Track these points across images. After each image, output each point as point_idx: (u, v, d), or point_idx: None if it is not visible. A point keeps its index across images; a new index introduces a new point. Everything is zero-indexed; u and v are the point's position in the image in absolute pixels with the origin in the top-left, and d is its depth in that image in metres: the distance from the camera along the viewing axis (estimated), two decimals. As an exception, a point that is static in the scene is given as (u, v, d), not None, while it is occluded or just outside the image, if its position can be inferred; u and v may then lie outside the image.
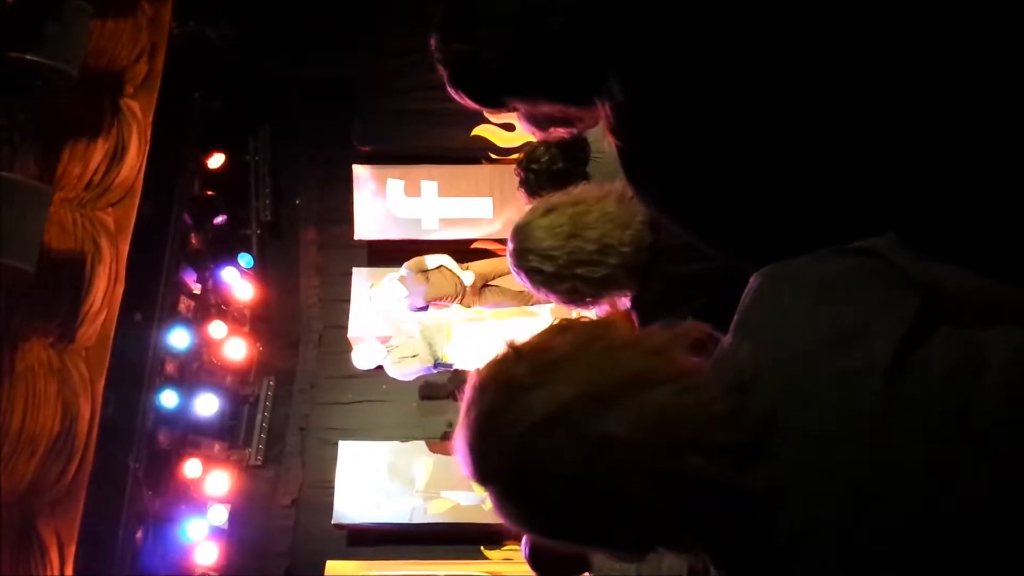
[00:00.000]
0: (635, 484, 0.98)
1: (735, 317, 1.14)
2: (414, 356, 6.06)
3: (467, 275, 6.11)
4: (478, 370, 1.08)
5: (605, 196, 2.10)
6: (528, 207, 2.22)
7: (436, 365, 6.22)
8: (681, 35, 1.30)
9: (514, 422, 1.01)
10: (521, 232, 2.12)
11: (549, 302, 2.27)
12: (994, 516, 0.94)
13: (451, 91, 1.54)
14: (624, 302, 2.13)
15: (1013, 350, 1.01)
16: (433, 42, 1.53)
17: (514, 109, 1.53)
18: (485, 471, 1.05)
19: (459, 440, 1.07)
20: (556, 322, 1.14)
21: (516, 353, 1.07)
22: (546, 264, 2.06)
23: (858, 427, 0.98)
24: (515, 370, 1.05)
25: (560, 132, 1.61)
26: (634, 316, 2.12)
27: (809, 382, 1.01)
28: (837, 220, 1.28)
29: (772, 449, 0.99)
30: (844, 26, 1.22)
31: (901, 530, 0.95)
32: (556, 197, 2.17)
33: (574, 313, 2.22)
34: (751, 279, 1.16)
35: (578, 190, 2.19)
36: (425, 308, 6.09)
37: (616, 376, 1.01)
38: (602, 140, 2.92)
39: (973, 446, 0.96)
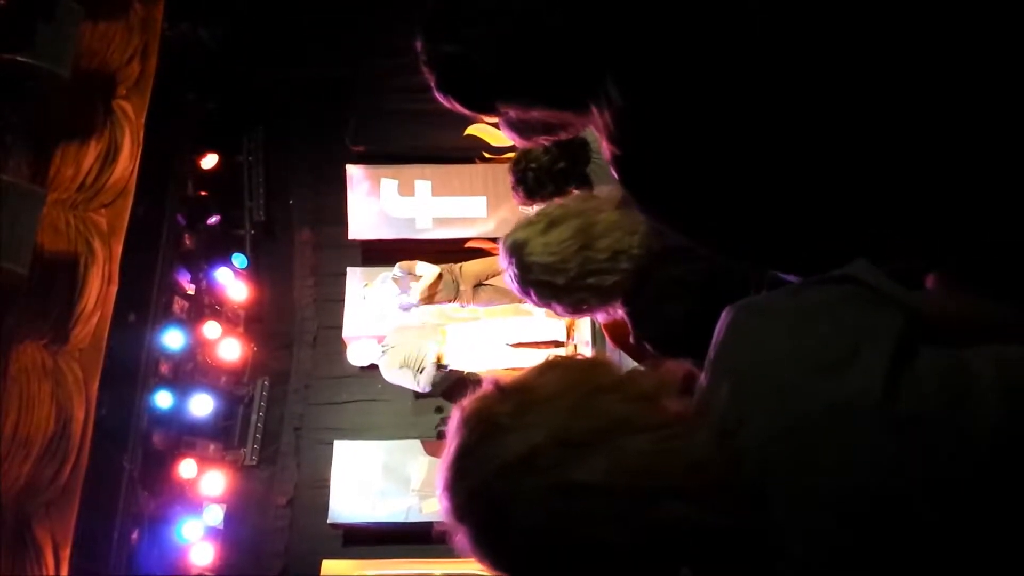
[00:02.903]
0: (612, 532, 0.96)
1: (710, 353, 1.10)
2: (403, 365, 6.08)
3: (428, 272, 5.92)
4: (462, 405, 1.06)
5: (602, 205, 2.06)
6: (520, 221, 2.13)
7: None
8: (682, 37, 1.28)
9: (485, 463, 0.99)
10: (523, 249, 2.04)
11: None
12: (1000, 533, 0.93)
13: (439, 96, 1.46)
14: (618, 309, 2.11)
15: (1003, 365, 0.99)
16: (419, 44, 1.45)
17: (505, 114, 1.47)
18: (456, 510, 1.02)
19: (438, 476, 1.05)
20: (546, 359, 1.11)
21: (500, 391, 1.05)
22: (557, 277, 2.01)
23: (857, 456, 0.96)
24: (496, 408, 1.03)
25: (542, 140, 1.56)
26: (628, 319, 2.11)
27: (803, 415, 0.99)
28: (835, 221, 1.29)
29: (768, 489, 0.97)
30: (844, 32, 1.22)
31: (909, 553, 0.94)
32: (553, 210, 2.10)
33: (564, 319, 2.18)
34: (724, 313, 1.12)
35: (572, 202, 2.13)
36: (418, 307, 6.09)
37: (595, 422, 0.99)
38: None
39: (975, 465, 0.94)
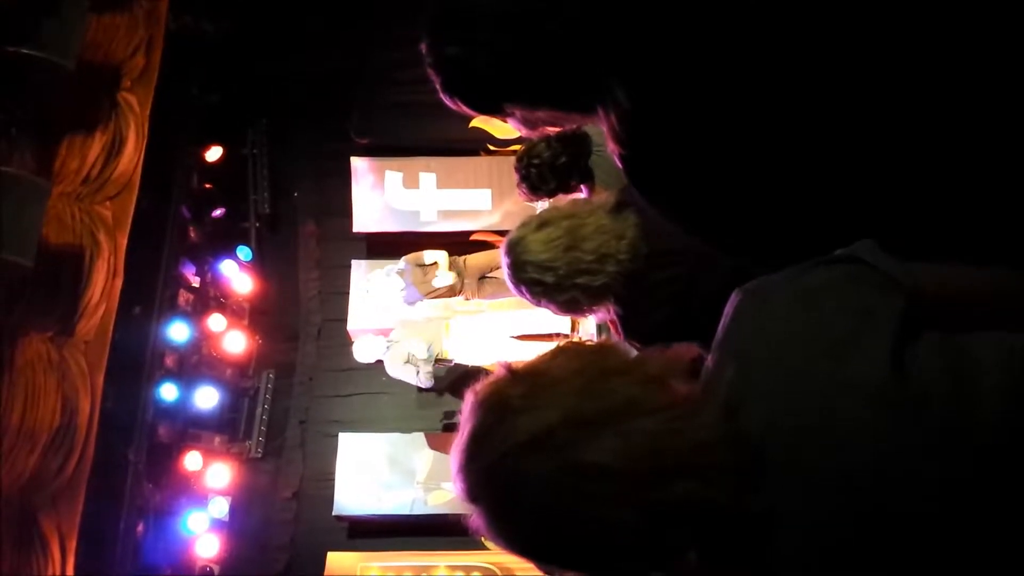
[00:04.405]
0: (621, 512, 0.97)
1: (717, 335, 1.12)
2: (407, 362, 6.08)
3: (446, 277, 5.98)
4: (475, 389, 1.08)
5: (595, 210, 2.12)
6: (520, 222, 2.19)
7: (436, 360, 6.23)
8: (685, 39, 1.29)
9: (499, 443, 1.01)
10: (517, 246, 2.12)
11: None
12: (998, 527, 0.93)
13: (445, 98, 1.47)
14: (610, 310, 2.15)
15: (1006, 354, 0.99)
16: (424, 46, 1.46)
17: (511, 115, 1.48)
18: (471, 491, 1.05)
19: (452, 458, 1.07)
20: (557, 344, 1.14)
21: (512, 375, 1.07)
22: (547, 275, 2.07)
23: (858, 441, 0.97)
24: (508, 391, 1.05)
25: (549, 130, 1.58)
26: (616, 321, 2.14)
27: (805, 398, 1.00)
28: (839, 216, 1.29)
29: (769, 469, 0.98)
30: (845, 32, 1.22)
31: (907, 543, 0.94)
32: (546, 211, 2.18)
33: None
34: (732, 296, 1.13)
35: (567, 204, 2.21)
36: (423, 300, 6.10)
37: (606, 403, 1.00)
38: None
39: (976, 458, 0.94)
